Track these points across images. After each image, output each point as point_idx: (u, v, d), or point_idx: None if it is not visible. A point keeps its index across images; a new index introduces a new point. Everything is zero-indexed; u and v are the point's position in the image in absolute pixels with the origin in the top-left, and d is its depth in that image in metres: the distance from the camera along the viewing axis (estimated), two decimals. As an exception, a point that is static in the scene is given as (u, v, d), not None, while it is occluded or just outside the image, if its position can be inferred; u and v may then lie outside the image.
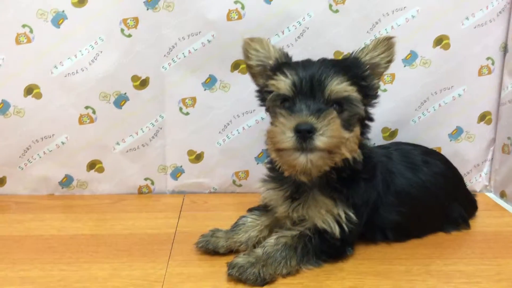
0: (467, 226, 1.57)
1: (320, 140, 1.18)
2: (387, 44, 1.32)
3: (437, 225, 1.54)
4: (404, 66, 1.77)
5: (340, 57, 1.74)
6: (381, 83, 1.73)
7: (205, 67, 1.76)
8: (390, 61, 1.34)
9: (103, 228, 1.57)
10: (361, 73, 1.31)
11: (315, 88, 1.23)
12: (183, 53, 1.74)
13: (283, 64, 1.34)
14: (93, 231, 1.55)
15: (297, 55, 1.68)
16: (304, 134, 1.18)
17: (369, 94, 1.32)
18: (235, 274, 1.22)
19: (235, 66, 1.76)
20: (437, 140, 1.84)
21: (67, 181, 1.85)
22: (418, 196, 1.48)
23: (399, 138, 1.84)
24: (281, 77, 1.26)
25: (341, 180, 1.33)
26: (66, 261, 1.35)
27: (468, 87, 1.81)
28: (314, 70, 1.25)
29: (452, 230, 1.54)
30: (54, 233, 1.53)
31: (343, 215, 1.31)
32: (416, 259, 1.37)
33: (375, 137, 1.82)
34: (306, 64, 1.29)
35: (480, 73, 1.80)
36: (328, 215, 1.31)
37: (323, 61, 1.30)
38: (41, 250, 1.41)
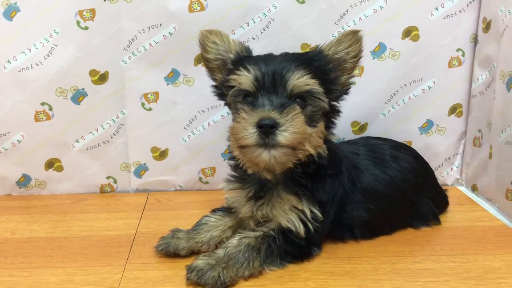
0: (437, 222, 1.54)
1: (283, 136, 1.15)
2: (353, 38, 1.27)
3: (406, 221, 1.51)
4: (373, 59, 1.73)
5: (306, 50, 1.69)
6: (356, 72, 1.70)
7: (167, 61, 1.70)
8: (356, 56, 1.28)
9: (60, 230, 1.50)
10: (323, 66, 1.27)
11: (277, 83, 1.20)
12: (143, 46, 1.67)
13: (245, 58, 1.30)
14: (49, 234, 1.48)
15: (262, 48, 1.66)
16: (267, 130, 1.14)
17: (332, 88, 1.28)
18: (193, 278, 1.17)
19: (199, 59, 1.69)
20: (407, 133, 1.81)
21: (24, 180, 1.77)
22: (386, 193, 1.44)
23: (369, 132, 1.79)
24: (244, 72, 1.22)
25: (306, 176, 1.29)
26: (18, 266, 1.29)
27: (438, 79, 1.77)
28: (276, 64, 1.21)
29: (422, 226, 1.51)
30: (7, 236, 1.46)
31: (308, 213, 1.27)
32: (383, 257, 1.34)
33: (344, 131, 1.78)
34: (268, 58, 1.25)
35: (450, 65, 1.76)
36: (292, 214, 1.27)
37: (285, 55, 1.27)
38: (-8, 254, 1.35)
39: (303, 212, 1.27)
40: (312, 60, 1.26)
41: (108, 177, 1.81)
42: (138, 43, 1.67)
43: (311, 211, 1.28)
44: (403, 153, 1.55)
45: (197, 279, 1.16)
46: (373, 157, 1.50)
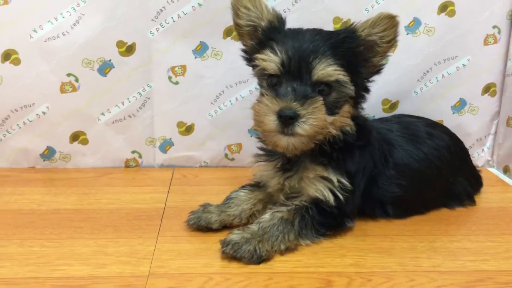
0: (472, 202, 1.51)
1: (301, 128, 1.16)
2: (389, 22, 1.21)
3: (441, 200, 1.48)
4: (407, 34, 1.68)
5: (340, 24, 1.65)
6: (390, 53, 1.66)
7: (196, 33, 1.66)
8: (390, 42, 1.23)
9: (87, 203, 1.48)
10: (354, 48, 1.22)
11: (303, 70, 1.18)
12: (171, 18, 1.63)
13: (275, 31, 1.25)
14: (76, 206, 1.46)
15: (294, 21, 1.61)
16: (286, 120, 1.15)
17: (361, 71, 1.24)
18: (229, 252, 1.14)
19: (228, 32, 1.65)
20: (439, 112, 1.76)
21: (49, 153, 1.74)
22: (420, 169, 1.41)
23: (400, 110, 1.75)
24: (270, 55, 1.20)
25: (332, 149, 1.28)
26: (47, 237, 1.27)
27: (473, 57, 1.72)
28: (305, 47, 1.18)
29: (456, 206, 1.48)
30: (34, 207, 1.44)
31: (335, 181, 1.26)
32: (419, 236, 1.31)
33: (375, 109, 1.75)
34: (297, 38, 1.21)
35: (485, 42, 1.71)
36: (319, 183, 1.26)
37: (316, 35, 1.21)
38: (20, 225, 1.33)
39: (330, 181, 1.26)
40: (343, 42, 1.21)
41: (133, 152, 1.78)
42: (166, 14, 1.63)
43: (339, 181, 1.26)
44: (439, 131, 1.51)
45: (233, 253, 1.14)
46: (407, 133, 1.47)
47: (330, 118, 1.21)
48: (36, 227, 1.32)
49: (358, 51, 1.23)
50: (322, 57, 1.17)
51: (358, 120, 1.31)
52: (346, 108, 1.25)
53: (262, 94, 1.23)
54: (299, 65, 1.17)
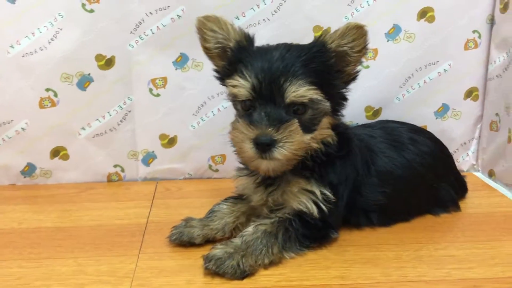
0: (457, 208, 1.50)
1: (279, 153, 1.16)
2: (357, 33, 1.19)
3: (425, 207, 1.47)
4: (387, 41, 1.68)
5: (320, 33, 1.64)
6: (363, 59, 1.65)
7: (176, 45, 1.65)
8: (361, 51, 1.22)
9: (68, 220, 1.46)
10: (326, 61, 1.21)
11: (275, 93, 1.16)
12: (151, 30, 1.62)
13: (243, 51, 1.24)
14: (56, 224, 1.44)
15: (274, 31, 1.62)
16: (263, 147, 1.15)
17: (336, 83, 1.24)
18: (212, 268, 1.12)
19: (208, 43, 1.64)
20: (422, 118, 1.76)
21: (29, 170, 1.72)
22: (403, 176, 1.40)
23: (383, 117, 1.75)
24: (240, 81, 1.19)
25: (314, 161, 1.27)
26: (27, 257, 1.24)
27: (454, 62, 1.72)
28: (275, 68, 1.16)
29: (441, 213, 1.47)
30: (14, 226, 1.42)
31: (318, 193, 1.25)
32: (405, 245, 1.29)
33: (358, 116, 1.74)
34: (266, 57, 1.19)
35: (466, 47, 1.72)
36: (302, 196, 1.25)
37: (286, 52, 1.19)
38: (0, 245, 1.30)
39: (313, 193, 1.25)
40: (314, 57, 1.20)
41: (115, 166, 1.76)
42: (146, 27, 1.62)
43: (322, 193, 1.25)
44: (422, 136, 1.50)
45: (215, 268, 1.12)
46: (390, 139, 1.46)
47: (308, 136, 1.20)
48: (16, 247, 1.29)
49: (330, 64, 1.22)
50: (293, 78, 1.15)
51: (339, 128, 1.31)
52: (325, 120, 1.24)
53: (237, 120, 1.22)
54: (270, 89, 1.16)
